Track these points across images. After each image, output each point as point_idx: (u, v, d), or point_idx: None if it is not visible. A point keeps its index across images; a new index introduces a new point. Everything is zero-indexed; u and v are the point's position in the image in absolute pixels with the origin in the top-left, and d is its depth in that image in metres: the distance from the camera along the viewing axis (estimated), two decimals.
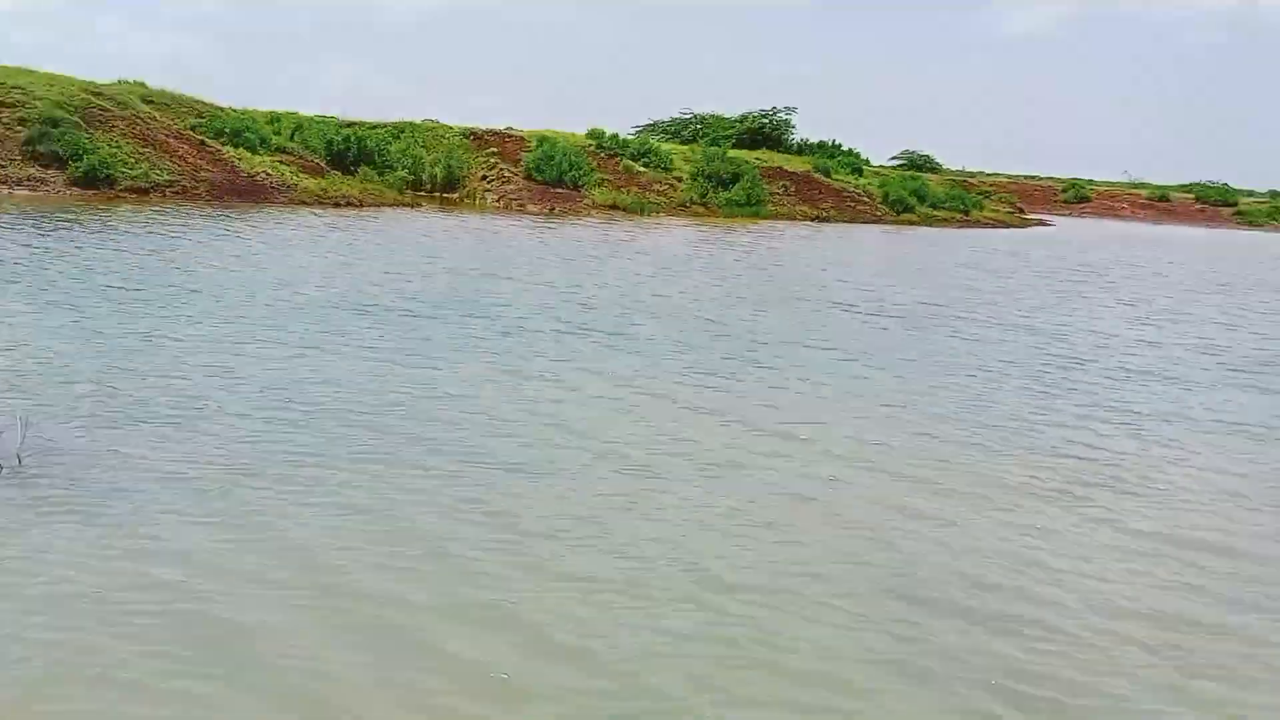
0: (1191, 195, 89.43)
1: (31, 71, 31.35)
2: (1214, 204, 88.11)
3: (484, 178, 39.42)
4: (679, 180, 45.35)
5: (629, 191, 42.24)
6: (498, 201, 38.29)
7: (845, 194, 51.59)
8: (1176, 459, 9.66)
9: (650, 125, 63.80)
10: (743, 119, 62.59)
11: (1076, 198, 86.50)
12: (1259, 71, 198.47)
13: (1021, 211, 67.02)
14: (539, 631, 5.47)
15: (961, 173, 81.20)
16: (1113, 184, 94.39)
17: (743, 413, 10.19)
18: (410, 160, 37.73)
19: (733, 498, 7.69)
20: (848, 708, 4.94)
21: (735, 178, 45.95)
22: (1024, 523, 7.61)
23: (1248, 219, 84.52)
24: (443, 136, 40.56)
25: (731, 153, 50.23)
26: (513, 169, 40.30)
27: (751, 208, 44.83)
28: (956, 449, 9.37)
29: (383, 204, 33.95)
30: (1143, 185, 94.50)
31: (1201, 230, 73.94)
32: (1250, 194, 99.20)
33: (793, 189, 49.34)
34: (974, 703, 5.02)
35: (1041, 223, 64.25)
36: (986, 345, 15.42)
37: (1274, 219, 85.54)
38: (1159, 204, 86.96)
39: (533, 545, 6.59)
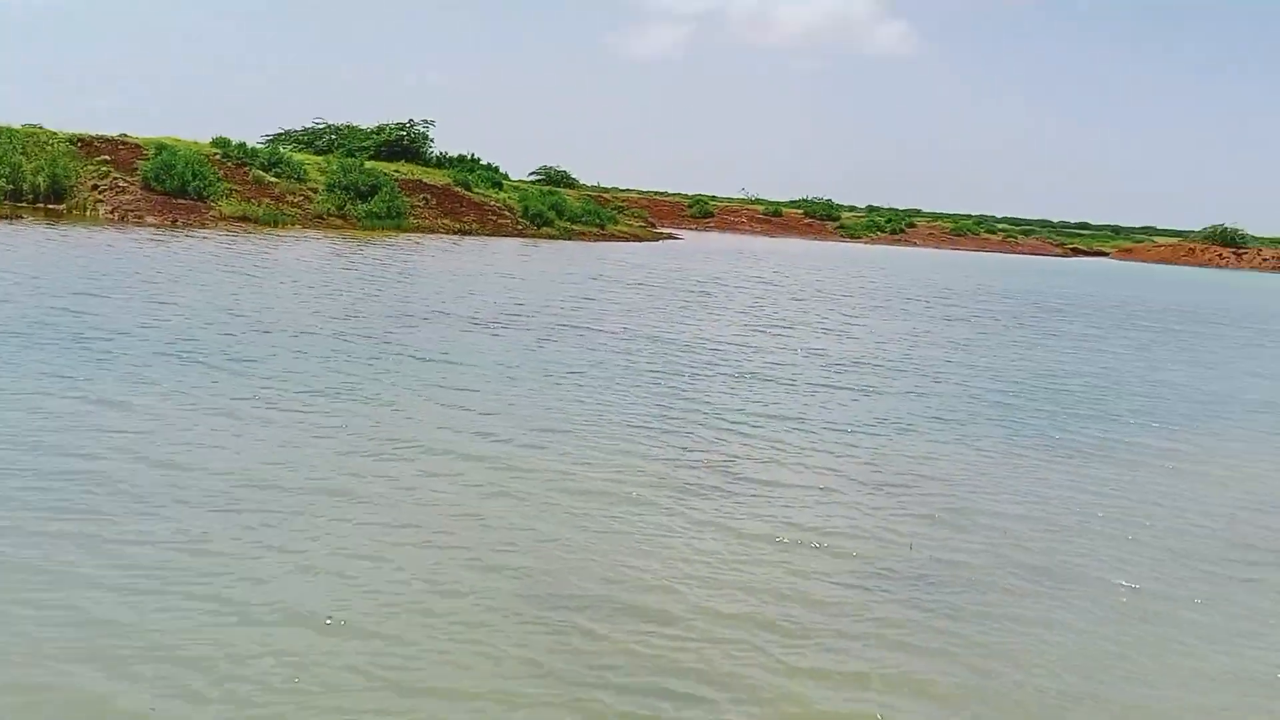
0: (801, 211, 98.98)
1: None
2: (820, 218, 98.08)
3: (95, 187, 36.70)
4: (314, 191, 44.41)
5: (260, 203, 40.85)
6: (111, 213, 35.81)
7: (486, 207, 52.64)
8: (780, 456, 10.45)
9: (282, 135, 61.74)
10: (380, 130, 62.08)
11: (702, 213, 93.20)
12: (857, 98, 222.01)
13: (653, 226, 71.37)
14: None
15: (597, 188, 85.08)
16: (732, 200, 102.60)
17: (355, 428, 10.15)
18: (8, 169, 34.50)
19: (347, 521, 7.63)
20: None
21: (374, 190, 45.58)
22: (642, 523, 8.03)
23: (849, 232, 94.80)
24: (46, 143, 37.32)
25: (369, 164, 49.74)
26: (128, 179, 37.81)
27: (392, 220, 44.71)
28: (573, 458, 9.71)
29: None
30: (759, 201, 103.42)
31: (809, 242, 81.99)
32: (851, 209, 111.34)
33: (434, 202, 49.70)
34: (608, 702, 5.37)
35: (671, 236, 68.79)
36: (612, 354, 16.01)
37: (869, 231, 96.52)
38: (773, 219, 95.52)
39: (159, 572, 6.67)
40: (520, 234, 51.28)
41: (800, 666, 5.89)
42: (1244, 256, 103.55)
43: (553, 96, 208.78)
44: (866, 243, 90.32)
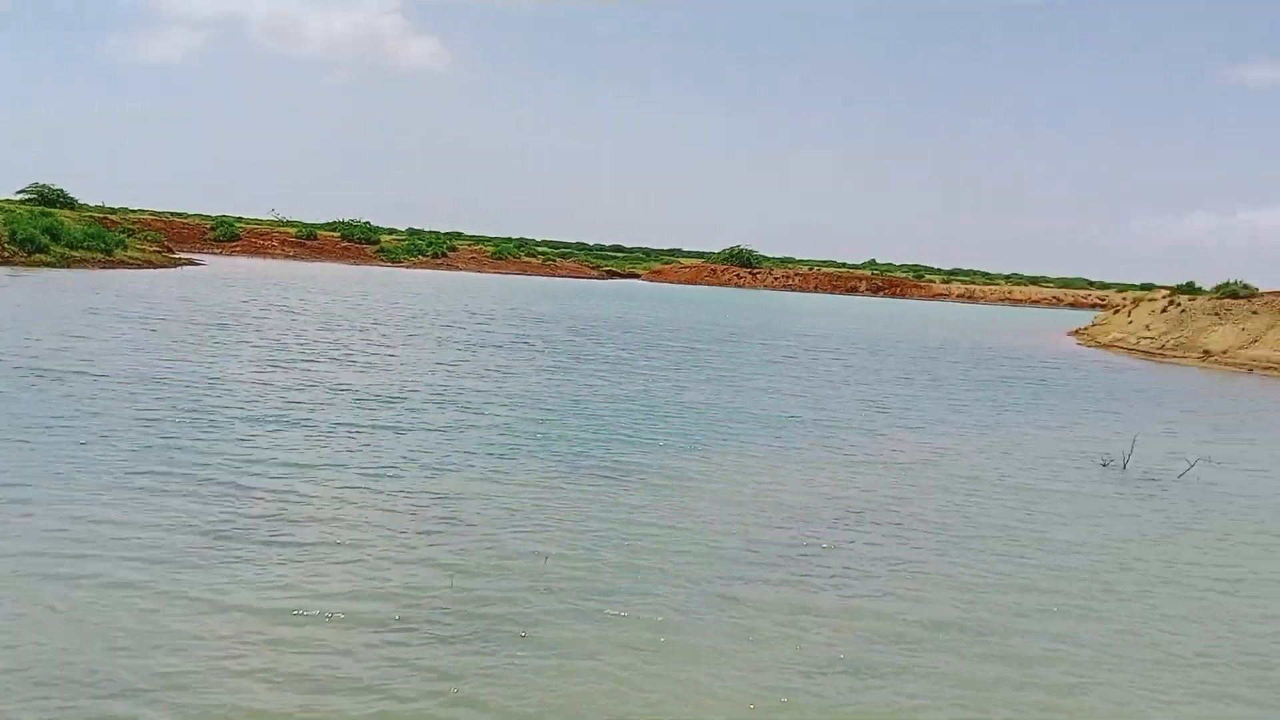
0: (337, 233, 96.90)
1: None
2: (358, 241, 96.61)
3: None
4: None
5: None
6: None
7: None
8: (291, 512, 9.89)
9: None
10: None
11: (226, 235, 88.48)
12: (392, 115, 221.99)
13: (170, 250, 66.64)
14: None
15: (102, 209, 78.07)
16: (261, 221, 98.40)
17: None
18: None
19: None
20: None
21: None
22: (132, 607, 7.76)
23: (390, 256, 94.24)
24: None
25: None
26: None
27: None
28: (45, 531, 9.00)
29: None
30: (292, 223, 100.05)
31: (348, 267, 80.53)
32: (392, 232, 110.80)
33: None
34: None
35: (191, 262, 64.53)
36: (108, 400, 14.72)
37: (411, 255, 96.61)
38: (307, 242, 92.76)
39: None
40: (8, 261, 45.66)
41: None
42: (758, 276, 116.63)
43: (44, 104, 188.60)
44: (408, 266, 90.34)
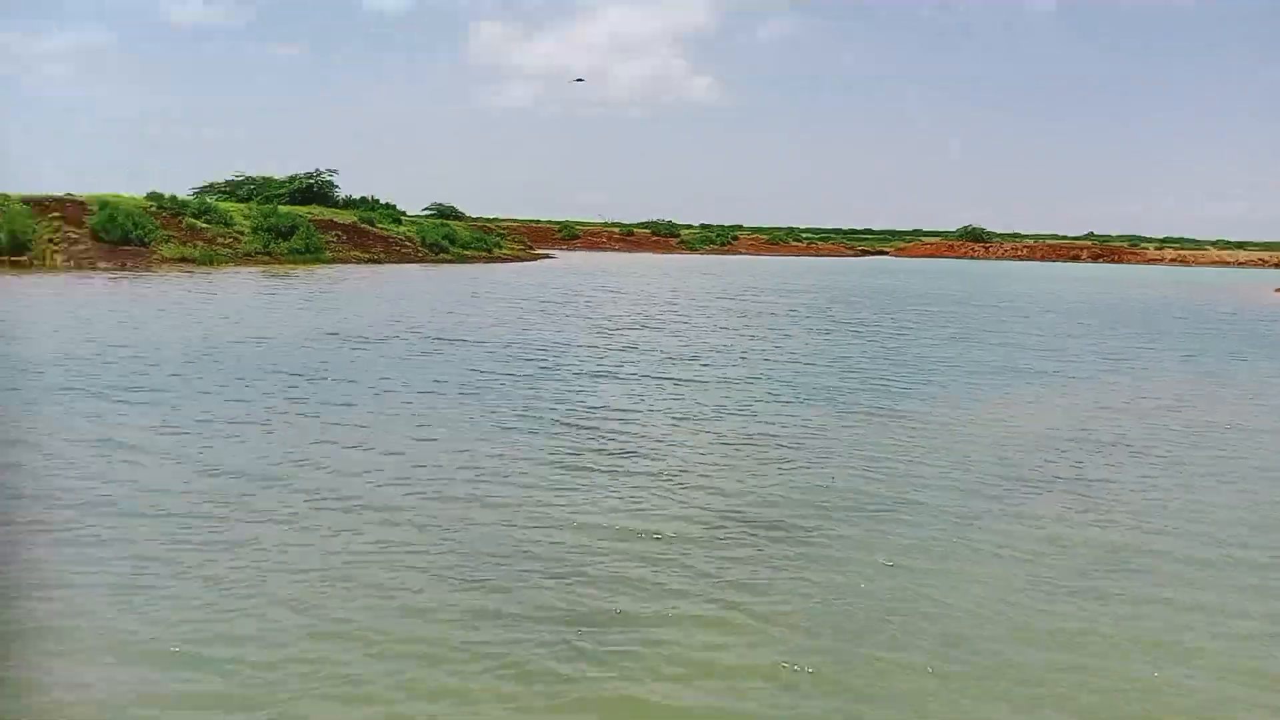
0: (648, 230, 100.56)
1: None
2: (664, 235, 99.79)
3: (50, 240, 35.28)
4: (241, 234, 43.50)
5: (196, 246, 39.89)
6: (68, 261, 34.49)
7: (390, 239, 52.23)
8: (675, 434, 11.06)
9: (207, 186, 59.82)
10: (292, 179, 60.84)
11: (569, 235, 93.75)
12: (680, 136, 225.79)
13: (531, 248, 71.73)
14: None
15: (481, 219, 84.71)
16: (592, 223, 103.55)
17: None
18: None
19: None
20: None
21: (293, 229, 44.90)
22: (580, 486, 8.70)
23: (688, 245, 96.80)
24: (2, 206, 35.64)
25: (284, 208, 48.91)
26: (78, 230, 36.46)
27: (311, 254, 44.15)
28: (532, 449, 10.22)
29: None
30: (615, 224, 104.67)
31: (657, 256, 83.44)
32: (688, 226, 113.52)
33: (344, 237, 49.13)
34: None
35: (547, 256, 69.26)
36: (483, 361, 15.70)
37: (704, 244, 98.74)
38: (627, 237, 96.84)
39: None
40: (421, 260, 51.09)
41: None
42: (990, 249, 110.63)
43: (437, 143, 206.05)
44: (702, 253, 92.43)
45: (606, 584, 6.40)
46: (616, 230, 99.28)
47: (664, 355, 17.46)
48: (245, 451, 9.57)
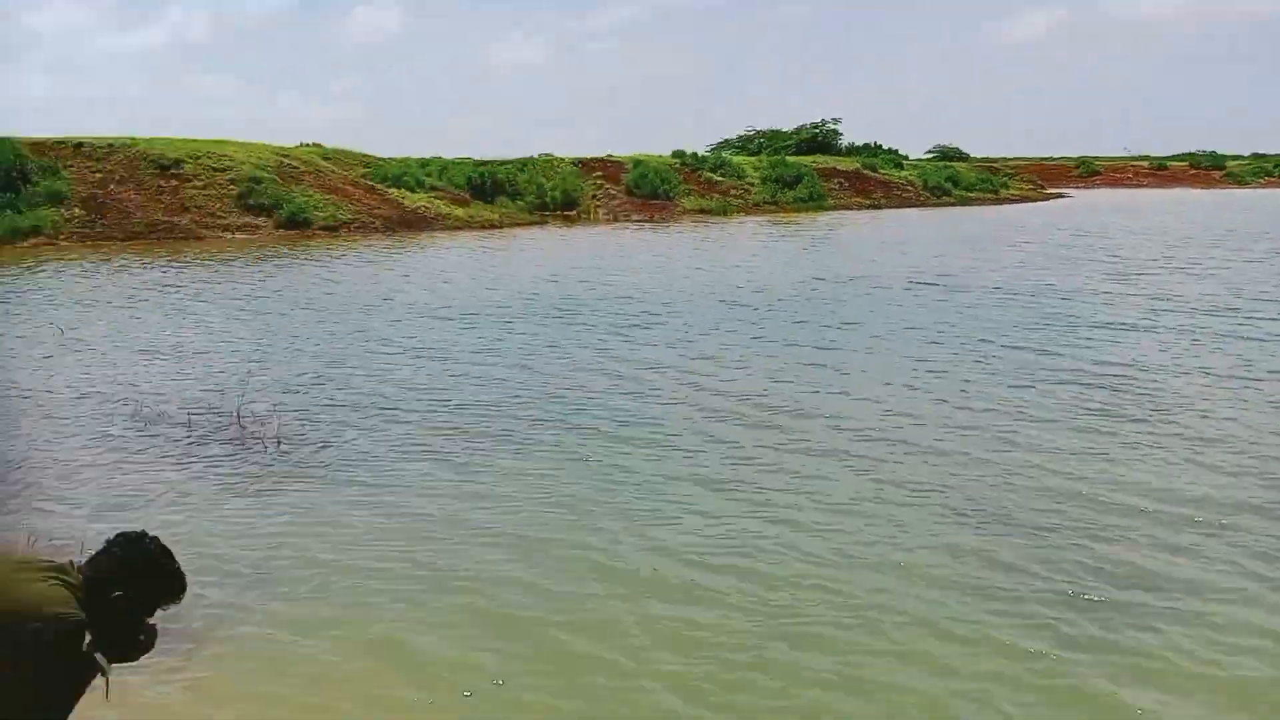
0: (1186, 163, 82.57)
1: (230, 142, 30.89)
2: (1205, 169, 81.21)
3: (594, 197, 37.81)
4: (751, 185, 43.08)
5: (711, 198, 40.15)
6: (607, 215, 36.67)
7: (891, 184, 48.46)
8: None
9: (722, 143, 61.27)
10: (797, 131, 59.60)
11: (1088, 172, 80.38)
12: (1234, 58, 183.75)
13: (1042, 188, 62.50)
14: None
15: (986, 159, 76.31)
16: (1117, 158, 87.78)
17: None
18: (535, 187, 36.27)
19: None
20: None
21: (798, 179, 43.46)
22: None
23: (1236, 179, 77.57)
24: (556, 167, 39.00)
25: (790, 159, 47.65)
26: (615, 187, 38.57)
27: (815, 202, 42.28)
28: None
29: (518, 224, 32.69)
30: (1144, 158, 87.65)
31: (1196, 190, 67.95)
32: (1236, 158, 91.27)
33: (846, 184, 46.48)
34: None
35: (1061, 195, 59.71)
36: (977, 308, 13.50)
37: (1258, 177, 78.35)
38: (1160, 172, 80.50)
39: None
40: (922, 205, 46.51)
41: None
42: None
43: (939, 82, 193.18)
44: (1253, 188, 73.20)
45: (1124, 565, 5.10)
46: (1145, 165, 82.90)
47: (1191, 306, 14.04)
48: None
